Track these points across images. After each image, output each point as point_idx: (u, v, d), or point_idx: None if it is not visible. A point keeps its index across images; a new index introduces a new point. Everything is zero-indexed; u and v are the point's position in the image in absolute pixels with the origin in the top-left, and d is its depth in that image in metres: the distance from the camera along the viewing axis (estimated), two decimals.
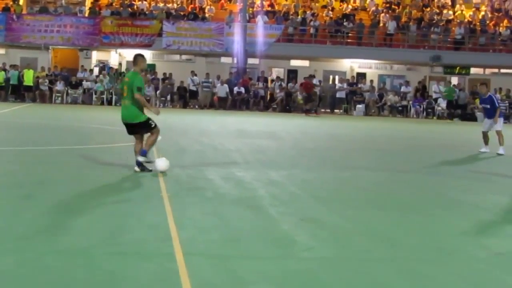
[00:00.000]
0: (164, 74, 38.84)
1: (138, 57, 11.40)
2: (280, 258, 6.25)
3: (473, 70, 43.15)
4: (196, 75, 37.83)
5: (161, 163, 11.16)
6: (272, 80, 40.17)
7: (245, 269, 5.80)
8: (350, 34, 42.33)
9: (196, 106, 37.86)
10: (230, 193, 9.76)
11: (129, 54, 41.24)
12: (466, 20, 45.07)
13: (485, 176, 13.26)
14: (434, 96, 39.46)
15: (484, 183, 12.37)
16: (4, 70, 37.02)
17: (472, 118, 37.92)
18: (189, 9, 43.14)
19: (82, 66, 38.98)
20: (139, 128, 11.38)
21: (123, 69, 39.96)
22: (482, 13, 46.27)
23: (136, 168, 11.23)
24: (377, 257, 6.48)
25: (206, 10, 42.97)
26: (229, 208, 8.58)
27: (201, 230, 7.18)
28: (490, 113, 17.92)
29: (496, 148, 17.61)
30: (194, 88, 37.88)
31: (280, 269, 5.87)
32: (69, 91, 37.03)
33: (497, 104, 17.96)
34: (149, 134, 11.41)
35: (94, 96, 37.08)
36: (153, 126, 11.28)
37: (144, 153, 11.20)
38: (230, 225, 7.53)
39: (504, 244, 7.30)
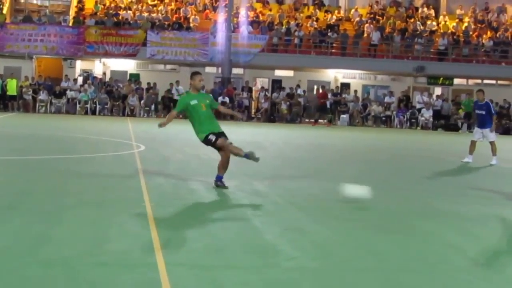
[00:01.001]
0: (148, 83, 38.76)
1: (191, 75, 11.27)
2: (263, 268, 6.23)
3: (456, 81, 43.44)
4: (181, 84, 37.79)
5: None
6: (264, 89, 40.18)
7: (227, 279, 5.78)
8: (334, 45, 42.48)
9: (180, 116, 37.73)
10: (213, 203, 9.74)
11: (113, 63, 41.20)
12: (449, 31, 45.35)
13: (470, 187, 13.30)
14: (418, 106, 39.63)
15: (469, 193, 12.40)
16: None
17: (455, 128, 38.14)
18: (174, 19, 43.13)
19: (66, 75, 38.83)
20: (208, 145, 11.16)
21: (107, 78, 39.90)
22: (466, 24, 46.54)
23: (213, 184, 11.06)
24: (361, 267, 6.48)
25: (190, 20, 42.96)
26: (212, 218, 8.57)
27: (184, 240, 7.16)
28: (484, 120, 17.94)
29: (485, 158, 17.70)
30: (178, 98, 37.79)
31: (263, 279, 5.85)
32: (52, 101, 36.91)
33: (493, 111, 18.10)
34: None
35: (78, 105, 36.97)
36: (212, 141, 10.90)
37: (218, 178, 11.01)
38: (213, 235, 7.50)
39: (488, 255, 7.33)
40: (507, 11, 48.43)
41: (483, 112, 17.96)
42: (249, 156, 10.90)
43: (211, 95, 11.17)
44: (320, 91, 39.34)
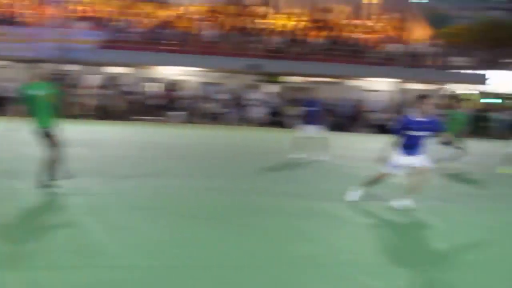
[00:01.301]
0: None
1: (31, 67, 10.98)
2: (89, 267, 6.20)
3: (290, 78, 44.56)
4: (12, 81, 36.52)
5: None
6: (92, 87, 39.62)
7: (48, 280, 5.70)
8: (170, 42, 42.44)
9: (12, 114, 36.46)
10: (42, 203, 9.54)
11: None
12: (285, 29, 46.53)
13: (301, 182, 13.72)
14: (251, 103, 40.40)
15: (296, 188, 12.76)
16: None
17: (287, 125, 39.15)
18: (3, 13, 41.60)
19: None
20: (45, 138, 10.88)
21: None
22: (301, 23, 47.90)
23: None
24: (193, 265, 6.57)
25: (21, 15, 41.59)
26: (40, 219, 8.40)
27: (8, 243, 6.99)
28: (313, 117, 18.47)
29: (316, 154, 18.23)
30: (9, 95, 36.51)
31: (88, 279, 5.82)
32: None
33: (324, 108, 18.75)
34: None
35: None
36: (54, 133, 10.79)
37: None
38: (39, 237, 7.36)
39: (306, 248, 7.64)
40: (338, 11, 50.25)
41: (313, 109, 18.52)
42: (63, 175, 10.79)
43: (50, 83, 10.83)
44: (159, 89, 39.29)
